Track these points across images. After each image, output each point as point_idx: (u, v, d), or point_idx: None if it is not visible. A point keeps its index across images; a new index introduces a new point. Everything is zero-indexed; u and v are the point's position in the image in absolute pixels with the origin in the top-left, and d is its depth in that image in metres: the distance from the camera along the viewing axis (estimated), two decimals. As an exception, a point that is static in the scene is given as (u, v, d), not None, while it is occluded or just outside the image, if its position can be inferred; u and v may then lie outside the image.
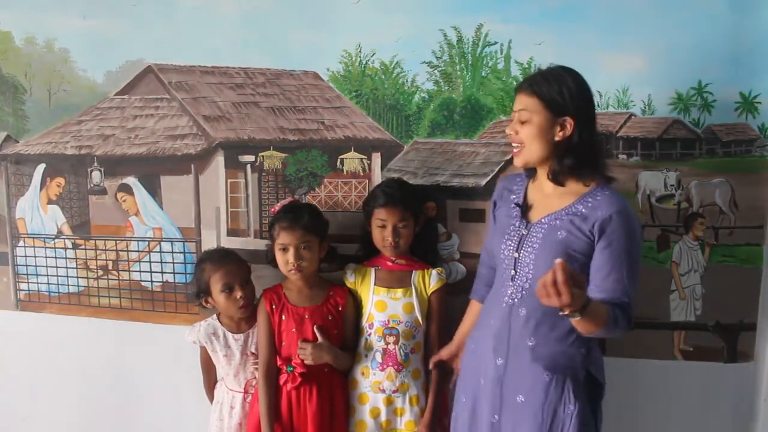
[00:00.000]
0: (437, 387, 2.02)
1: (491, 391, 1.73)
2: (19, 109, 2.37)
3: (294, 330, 1.99)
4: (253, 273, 2.09)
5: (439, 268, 2.08)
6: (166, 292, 2.37)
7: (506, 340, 1.70)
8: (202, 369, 2.18)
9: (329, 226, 2.06)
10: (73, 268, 2.42)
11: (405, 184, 2.07)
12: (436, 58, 2.13)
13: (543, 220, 1.67)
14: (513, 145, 1.70)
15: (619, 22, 2.01)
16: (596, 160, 1.64)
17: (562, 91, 1.59)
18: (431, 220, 2.15)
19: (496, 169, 2.13)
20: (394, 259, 2.05)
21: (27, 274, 2.46)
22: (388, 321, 2.01)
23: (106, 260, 2.39)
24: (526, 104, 1.63)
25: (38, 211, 2.41)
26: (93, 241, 2.40)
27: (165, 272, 2.36)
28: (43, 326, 2.45)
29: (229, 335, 2.08)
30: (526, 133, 1.64)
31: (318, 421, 1.97)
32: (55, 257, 2.43)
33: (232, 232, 2.30)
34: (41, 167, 2.38)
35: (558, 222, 1.64)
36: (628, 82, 2.03)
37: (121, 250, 2.38)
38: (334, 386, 2.02)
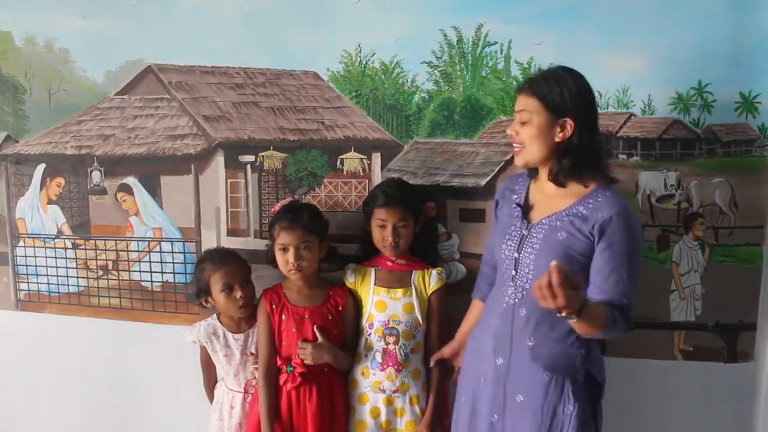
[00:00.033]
0: (438, 385, 2.03)
1: (491, 391, 1.73)
2: (19, 109, 2.37)
3: (294, 330, 1.99)
4: (253, 273, 2.10)
5: (439, 268, 2.08)
6: (166, 292, 2.37)
7: (506, 339, 1.71)
8: (202, 369, 2.18)
9: (329, 226, 2.06)
10: (73, 268, 2.42)
11: (405, 184, 2.07)
12: (436, 58, 2.13)
13: (543, 221, 1.67)
14: (514, 145, 1.70)
15: (619, 22, 2.01)
16: (597, 161, 1.64)
17: (562, 92, 1.59)
18: (431, 220, 2.15)
19: (496, 169, 2.13)
20: (394, 259, 2.05)
21: (27, 274, 2.46)
22: (388, 321, 2.01)
23: (106, 260, 2.39)
24: (526, 105, 1.63)
25: (38, 211, 2.41)
26: (93, 241, 2.40)
27: (165, 272, 2.36)
28: (43, 326, 2.45)
29: (229, 335, 2.08)
30: (526, 133, 1.64)
31: (318, 421, 1.97)
32: (55, 257, 2.43)
33: (232, 232, 2.30)
34: (41, 167, 2.38)
35: (558, 223, 1.64)
36: (628, 82, 2.03)
37: (121, 250, 2.38)
38: (334, 386, 2.02)
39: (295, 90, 2.20)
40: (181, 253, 2.34)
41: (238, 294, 2.02)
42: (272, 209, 2.08)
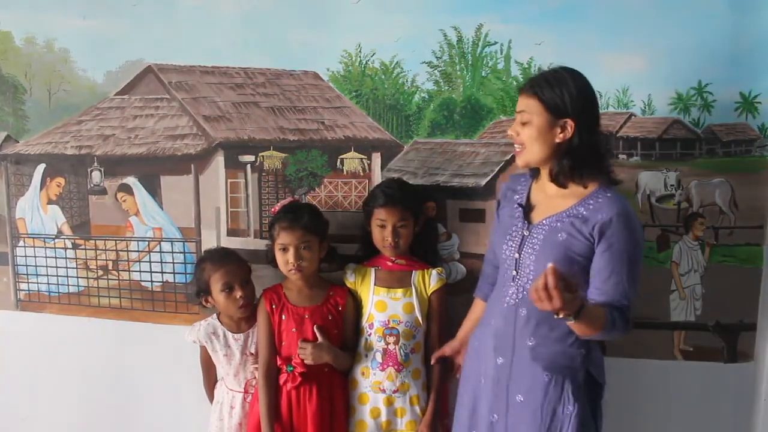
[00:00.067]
0: (438, 385, 2.03)
1: (491, 391, 1.74)
2: (19, 109, 2.37)
3: (294, 330, 1.99)
4: (253, 273, 2.10)
5: (439, 268, 2.08)
6: (166, 292, 2.37)
7: (507, 339, 1.71)
8: (202, 368, 2.18)
9: (329, 226, 2.06)
10: (73, 268, 2.42)
11: (405, 184, 2.07)
12: (436, 58, 2.13)
13: (544, 222, 1.67)
14: (515, 145, 1.70)
15: (619, 22, 2.01)
16: (598, 162, 1.64)
17: (562, 93, 1.59)
18: (431, 220, 2.15)
19: (496, 169, 2.13)
20: (394, 259, 2.05)
21: (27, 274, 2.46)
22: (388, 321, 2.01)
23: (106, 260, 2.39)
24: (527, 106, 1.64)
25: (38, 211, 2.41)
26: (93, 241, 2.40)
27: (165, 272, 2.36)
28: (43, 326, 2.45)
29: (229, 335, 2.08)
30: (526, 134, 1.64)
31: (318, 421, 1.97)
32: (55, 257, 2.43)
33: (232, 232, 2.30)
34: (41, 167, 2.38)
35: (559, 224, 1.64)
36: (628, 82, 2.03)
37: (121, 250, 2.38)
38: (334, 386, 2.02)
39: (295, 90, 2.20)
40: (181, 253, 2.34)
41: (238, 294, 2.02)
42: (272, 209, 2.08)
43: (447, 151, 2.17)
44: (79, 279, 2.42)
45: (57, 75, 2.32)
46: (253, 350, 2.08)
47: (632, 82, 2.03)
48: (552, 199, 1.69)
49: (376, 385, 2.00)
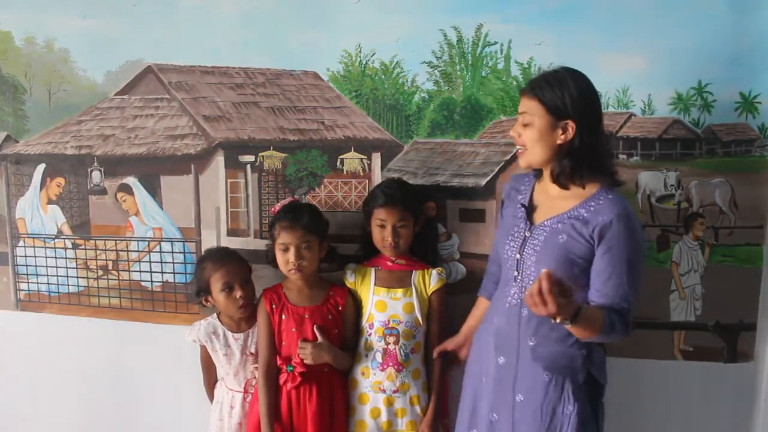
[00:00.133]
0: (439, 385, 2.03)
1: (492, 390, 1.74)
2: (19, 109, 2.37)
3: (294, 330, 1.99)
4: (253, 273, 2.10)
5: (439, 268, 2.08)
6: (166, 292, 2.37)
7: (508, 339, 1.71)
8: (203, 368, 2.18)
9: (329, 226, 2.06)
10: (73, 268, 2.42)
11: (405, 184, 2.07)
12: (436, 58, 2.13)
13: (546, 223, 1.67)
14: (517, 147, 1.71)
15: (619, 22, 2.01)
16: (600, 163, 1.64)
17: (563, 95, 1.59)
18: (431, 220, 2.15)
19: (496, 169, 2.13)
20: (394, 259, 2.05)
21: (27, 274, 2.46)
22: (389, 321, 2.01)
23: (106, 260, 2.39)
24: (528, 107, 1.64)
25: (38, 211, 2.41)
26: (93, 241, 2.40)
27: (165, 272, 2.36)
28: (43, 326, 2.45)
29: (229, 334, 2.08)
30: (528, 135, 1.64)
31: (318, 421, 1.97)
32: (55, 257, 2.43)
33: (232, 232, 2.30)
34: (41, 167, 2.38)
35: (560, 225, 1.65)
36: (628, 82, 2.03)
37: (121, 250, 2.38)
38: (334, 386, 2.02)
39: (295, 90, 2.20)
40: (181, 253, 2.34)
41: (238, 294, 2.02)
42: (272, 209, 2.08)
43: (447, 151, 2.17)
44: (79, 279, 2.42)
45: (57, 75, 2.32)
46: (253, 350, 2.08)
47: (632, 82, 2.03)
48: (554, 200, 1.69)
49: (376, 385, 2.00)
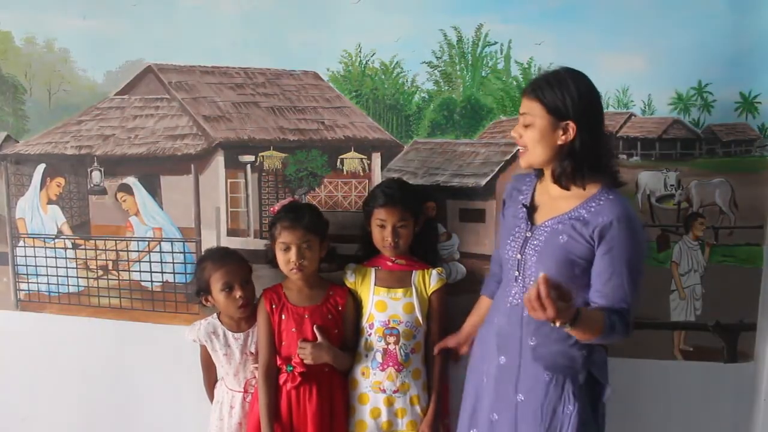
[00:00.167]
0: (439, 383, 2.03)
1: (493, 390, 1.75)
2: (19, 109, 2.37)
3: (294, 330, 1.99)
4: (253, 273, 2.10)
5: (439, 268, 2.08)
6: (166, 292, 2.37)
7: (509, 339, 1.72)
8: (203, 367, 2.18)
9: (329, 226, 2.06)
10: (73, 268, 2.42)
11: (405, 184, 2.07)
12: (436, 58, 2.13)
13: (546, 223, 1.68)
14: (518, 147, 1.71)
15: (619, 22, 2.01)
16: (600, 163, 1.64)
17: (563, 96, 1.59)
18: (431, 220, 2.15)
19: (496, 169, 2.13)
20: (394, 259, 2.05)
21: (27, 274, 2.46)
22: (389, 321, 2.01)
23: (106, 260, 2.39)
24: (529, 108, 1.64)
25: (38, 211, 2.41)
26: (93, 241, 2.40)
27: (165, 272, 2.36)
28: (43, 326, 2.45)
29: (229, 334, 2.08)
30: (529, 136, 1.65)
31: (318, 421, 1.97)
32: (55, 257, 2.43)
33: (232, 232, 2.30)
34: (41, 167, 2.38)
35: (560, 226, 1.65)
36: (628, 82, 2.03)
37: (121, 250, 2.38)
38: (334, 386, 2.02)
39: (295, 90, 2.20)
40: (181, 253, 2.34)
41: (238, 294, 2.02)
42: (272, 209, 2.08)
43: (447, 151, 2.17)
44: (79, 279, 2.42)
45: (57, 75, 2.32)
46: (253, 350, 2.08)
47: (632, 82, 2.03)
48: (555, 201, 1.69)
49: (376, 385, 2.00)
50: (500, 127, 2.12)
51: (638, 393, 2.15)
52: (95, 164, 2.34)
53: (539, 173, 1.77)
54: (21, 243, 2.45)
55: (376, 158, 2.21)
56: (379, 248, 2.05)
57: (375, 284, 2.05)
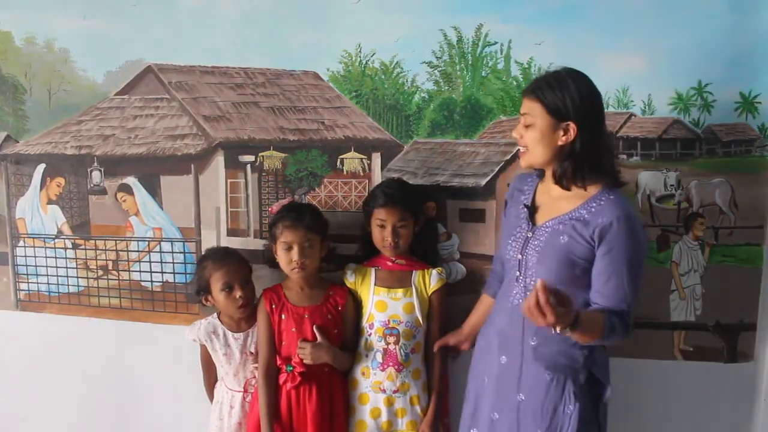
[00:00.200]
0: (439, 383, 2.03)
1: (494, 389, 1.75)
2: (19, 109, 2.37)
3: (294, 330, 1.99)
4: (253, 273, 2.10)
5: (440, 268, 2.08)
6: (166, 292, 2.37)
7: (510, 338, 1.72)
8: (203, 367, 2.18)
9: (329, 226, 2.06)
10: (73, 268, 2.42)
11: (405, 184, 2.07)
12: (436, 58, 2.13)
13: (547, 224, 1.68)
14: (519, 147, 1.71)
15: (619, 22, 2.01)
16: (602, 164, 1.64)
17: (564, 97, 1.59)
18: (431, 220, 2.15)
19: (496, 169, 2.13)
20: (394, 259, 2.05)
21: (27, 274, 2.46)
22: (389, 321, 2.01)
23: (106, 260, 2.39)
24: (530, 109, 1.64)
25: (38, 211, 2.41)
26: (93, 241, 2.40)
27: (165, 272, 2.36)
28: (43, 326, 2.45)
29: (229, 334, 2.08)
30: (530, 137, 1.65)
31: (318, 421, 1.97)
32: (55, 257, 2.43)
33: (232, 232, 2.30)
34: (41, 167, 2.38)
35: (561, 226, 1.65)
36: (628, 82, 2.03)
37: (121, 250, 2.38)
38: (334, 386, 2.02)
39: (295, 90, 2.20)
40: (181, 253, 2.34)
41: (238, 294, 2.02)
42: (270, 209, 2.08)
43: (447, 151, 2.17)
44: (79, 279, 2.42)
45: (57, 75, 2.32)
46: (252, 350, 2.08)
47: (632, 82, 2.03)
48: (556, 201, 1.69)
49: (376, 385, 2.01)
50: (500, 127, 2.12)
51: (638, 393, 2.15)
52: (95, 164, 2.34)
53: (541, 173, 1.77)
54: (21, 243, 2.45)
55: (376, 158, 2.21)
56: (379, 248, 2.05)
57: (375, 284, 2.05)
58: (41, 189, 2.39)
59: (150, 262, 2.37)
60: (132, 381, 2.41)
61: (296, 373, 1.96)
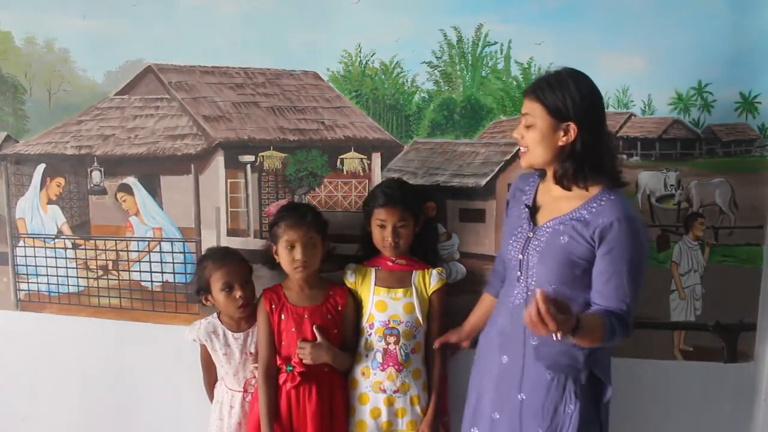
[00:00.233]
0: (439, 383, 2.03)
1: (494, 389, 1.75)
2: (19, 109, 2.37)
3: (293, 330, 1.99)
4: (254, 273, 2.10)
5: (440, 268, 2.08)
6: (166, 292, 2.37)
7: (512, 338, 1.72)
8: (203, 367, 2.18)
9: (329, 226, 2.06)
10: (73, 268, 2.42)
11: (405, 184, 2.07)
12: (436, 58, 2.13)
13: (548, 224, 1.68)
14: (520, 147, 1.71)
15: (619, 22, 2.01)
16: (602, 164, 1.64)
17: (564, 98, 1.59)
18: (431, 220, 2.15)
19: (496, 169, 2.13)
20: (394, 259, 2.05)
21: (27, 274, 2.46)
22: (389, 321, 2.01)
23: (106, 260, 2.39)
24: (530, 109, 1.64)
25: (38, 211, 2.41)
26: (93, 241, 2.40)
27: (165, 272, 2.36)
28: (43, 326, 2.45)
29: (229, 334, 2.08)
30: (530, 137, 1.65)
31: (317, 421, 1.97)
32: (55, 257, 2.43)
33: (232, 232, 2.30)
34: (41, 167, 2.38)
35: (562, 227, 1.65)
36: (628, 82, 2.03)
37: (121, 250, 2.38)
38: (334, 386, 2.02)
39: (295, 90, 2.20)
40: (181, 253, 2.34)
41: (238, 294, 2.02)
42: (266, 211, 2.08)
43: (447, 151, 2.17)
44: (79, 279, 2.42)
45: (57, 75, 2.32)
46: (252, 350, 2.08)
47: (632, 82, 2.03)
48: (557, 201, 1.69)
49: (376, 385, 2.00)
50: (500, 127, 2.12)
51: (638, 393, 2.15)
52: (95, 164, 2.34)
53: (542, 173, 1.76)
54: (21, 243, 2.45)
55: (376, 158, 2.21)
56: (380, 248, 2.05)
57: (375, 284, 2.05)
58: (41, 189, 2.39)
59: (150, 262, 2.37)
60: (132, 381, 2.41)
61: (296, 373, 1.96)
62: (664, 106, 2.05)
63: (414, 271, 2.06)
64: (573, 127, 1.59)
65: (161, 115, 2.29)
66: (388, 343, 2.00)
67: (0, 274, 2.47)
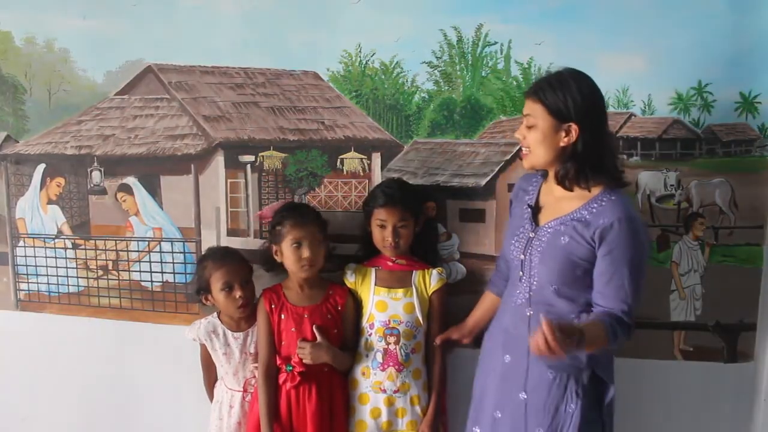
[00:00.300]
0: (439, 383, 2.03)
1: (497, 388, 1.76)
2: (19, 109, 2.37)
3: (293, 329, 1.99)
4: (254, 273, 2.09)
5: (440, 268, 2.08)
6: (166, 292, 2.37)
7: (515, 338, 1.72)
8: (203, 366, 2.18)
9: (328, 226, 2.06)
10: (73, 268, 2.42)
11: (405, 184, 2.07)
12: (436, 58, 2.13)
13: (549, 224, 1.68)
14: (522, 148, 1.71)
15: (619, 22, 2.01)
16: (603, 165, 1.63)
17: (566, 98, 1.59)
18: (431, 220, 2.15)
19: (496, 169, 2.13)
20: (394, 259, 2.05)
21: (27, 274, 2.46)
22: (389, 321, 2.01)
23: (106, 260, 2.39)
24: (532, 110, 1.65)
25: (38, 211, 2.41)
26: (93, 241, 2.40)
27: (165, 272, 2.36)
28: (43, 326, 2.45)
29: (229, 333, 2.08)
30: (532, 138, 1.65)
31: (317, 421, 1.97)
32: (55, 257, 2.43)
33: (232, 232, 2.30)
34: (41, 167, 2.38)
35: (563, 227, 1.65)
36: (628, 82, 2.03)
37: (121, 250, 2.38)
38: (334, 386, 2.02)
39: (295, 90, 2.20)
40: (181, 253, 2.34)
41: (238, 294, 2.02)
42: (259, 214, 2.08)
43: (447, 151, 2.17)
44: (79, 279, 2.42)
45: (57, 75, 2.32)
46: (252, 349, 2.08)
47: (632, 82, 2.03)
48: (559, 202, 1.69)
49: (376, 385, 2.00)
50: (500, 127, 2.12)
51: (638, 393, 2.15)
52: (95, 164, 2.34)
53: (545, 173, 1.76)
54: (21, 243, 2.45)
55: (376, 158, 2.21)
56: (380, 248, 2.05)
57: (375, 284, 2.05)
58: (41, 189, 2.39)
59: (150, 262, 2.37)
60: (132, 381, 2.41)
61: (296, 373, 1.96)
62: (664, 106, 2.05)
63: (414, 271, 2.06)
64: (574, 128, 1.59)
65: (161, 115, 2.29)
66: (388, 343, 2.00)
67: (0, 274, 2.47)
